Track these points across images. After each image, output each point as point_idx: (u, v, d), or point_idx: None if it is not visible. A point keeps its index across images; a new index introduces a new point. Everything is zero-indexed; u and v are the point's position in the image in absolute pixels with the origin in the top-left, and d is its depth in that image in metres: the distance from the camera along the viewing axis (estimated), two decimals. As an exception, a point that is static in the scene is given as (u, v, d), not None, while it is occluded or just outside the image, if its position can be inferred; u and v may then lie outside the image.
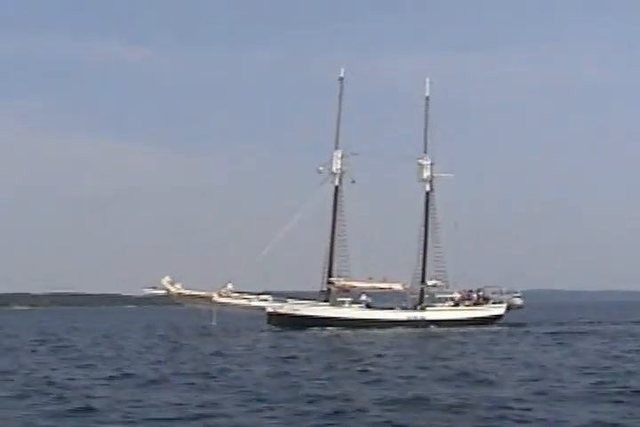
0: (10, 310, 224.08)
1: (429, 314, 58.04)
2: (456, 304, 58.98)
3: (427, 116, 61.86)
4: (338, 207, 58.84)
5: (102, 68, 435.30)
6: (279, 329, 53.85)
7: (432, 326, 55.60)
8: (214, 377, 22.40)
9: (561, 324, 61.27)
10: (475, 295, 59.33)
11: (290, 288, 62.49)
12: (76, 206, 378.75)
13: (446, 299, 59.61)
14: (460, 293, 59.16)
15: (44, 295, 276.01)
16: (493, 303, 60.29)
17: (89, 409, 16.38)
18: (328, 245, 58.24)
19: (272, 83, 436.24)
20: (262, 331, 53.48)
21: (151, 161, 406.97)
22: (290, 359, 29.28)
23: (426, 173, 61.51)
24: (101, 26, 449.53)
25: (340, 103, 59.63)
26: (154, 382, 21.28)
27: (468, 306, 59.17)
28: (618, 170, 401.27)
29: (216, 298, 54.31)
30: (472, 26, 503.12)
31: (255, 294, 56.56)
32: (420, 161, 61.59)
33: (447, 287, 59.78)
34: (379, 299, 59.42)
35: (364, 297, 57.89)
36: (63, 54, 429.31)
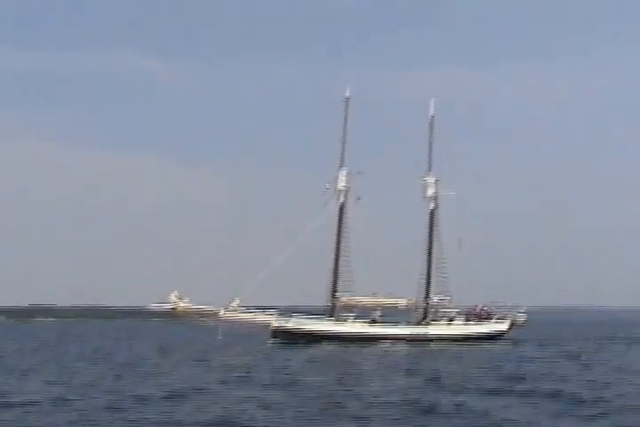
0: (36, 322, 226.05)
1: (432, 329, 58.84)
2: (450, 320, 59.73)
3: (431, 134, 62.96)
4: (343, 224, 59.89)
5: (116, 79, 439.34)
6: (284, 344, 54.72)
7: (434, 342, 56.36)
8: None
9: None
10: (474, 311, 60.04)
11: (296, 304, 63.56)
12: (90, 220, 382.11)
13: (448, 314, 60.34)
14: (458, 309, 59.98)
15: (68, 308, 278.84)
16: (497, 319, 61.00)
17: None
18: (333, 262, 59.28)
19: (281, 98, 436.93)
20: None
21: (163, 175, 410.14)
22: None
23: (430, 191, 62.48)
24: (115, 37, 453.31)
25: (346, 122, 60.84)
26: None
27: (468, 320, 59.95)
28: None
29: (222, 313, 55.53)
30: (479, 41, 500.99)
31: (261, 309, 57.71)
32: (425, 179, 62.61)
33: (451, 303, 60.57)
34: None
35: (379, 313, 58.73)
36: (75, 66, 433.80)
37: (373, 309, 59.40)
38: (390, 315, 60.30)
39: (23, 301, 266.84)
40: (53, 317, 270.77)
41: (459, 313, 59.97)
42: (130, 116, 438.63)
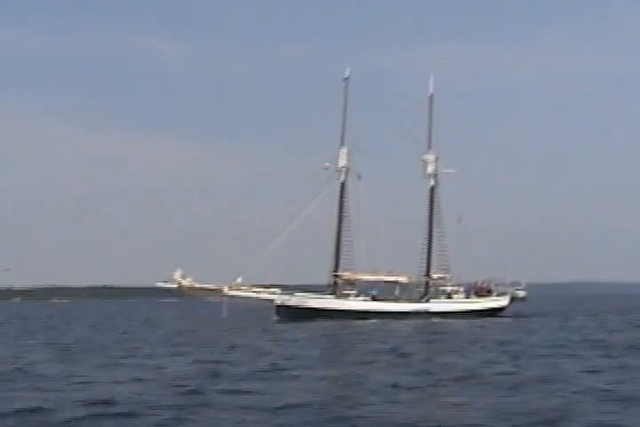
0: (51, 303, 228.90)
1: (433, 306, 59.80)
2: (449, 296, 60.68)
3: (431, 112, 63.63)
4: (344, 203, 60.75)
5: (125, 62, 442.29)
6: (287, 320, 55.70)
7: (435, 318, 57.36)
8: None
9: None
10: (461, 288, 60.82)
11: (299, 282, 64.63)
12: (102, 202, 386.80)
13: (447, 291, 61.25)
14: (453, 285, 60.90)
15: (82, 288, 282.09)
16: (497, 295, 61.89)
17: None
18: (334, 240, 60.22)
19: (281, 79, 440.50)
20: None
21: (166, 156, 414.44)
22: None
23: (430, 169, 63.21)
24: (128, 20, 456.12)
25: (346, 102, 61.50)
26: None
27: (468, 296, 60.90)
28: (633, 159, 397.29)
29: (226, 291, 56.64)
30: (479, 15, 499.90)
31: (264, 286, 58.81)
32: (425, 157, 63.29)
33: (451, 280, 61.47)
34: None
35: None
36: (90, 50, 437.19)
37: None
38: (392, 292, 61.17)
39: (37, 282, 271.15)
40: (68, 297, 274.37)
41: (456, 291, 60.89)
42: (142, 98, 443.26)
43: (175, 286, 57.24)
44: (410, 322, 52.28)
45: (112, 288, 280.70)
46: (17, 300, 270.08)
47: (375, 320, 53.76)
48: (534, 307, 69.78)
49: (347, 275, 59.64)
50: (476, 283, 62.22)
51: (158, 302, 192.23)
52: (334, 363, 24.77)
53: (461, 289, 60.79)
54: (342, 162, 61.15)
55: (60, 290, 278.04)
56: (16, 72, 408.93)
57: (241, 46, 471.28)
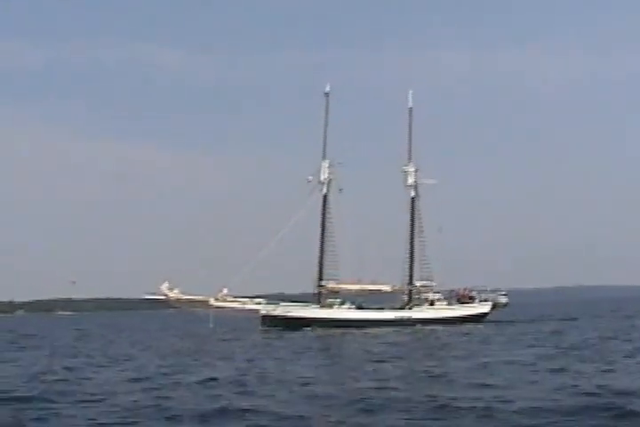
0: (55, 316, 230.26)
1: (416, 313, 61.19)
2: (432, 304, 62.08)
3: (410, 125, 65.28)
4: (327, 215, 62.27)
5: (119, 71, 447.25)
6: (273, 330, 57.05)
7: (418, 325, 58.69)
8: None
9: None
10: (434, 296, 62.10)
11: (284, 292, 66.06)
12: (99, 211, 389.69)
13: (430, 298, 62.65)
14: (436, 293, 62.31)
15: (86, 300, 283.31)
16: (480, 302, 63.28)
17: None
18: (318, 251, 61.70)
19: (270, 90, 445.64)
20: None
21: (153, 167, 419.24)
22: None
23: (410, 180, 64.78)
24: (128, 28, 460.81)
25: (327, 116, 63.23)
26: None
27: (450, 304, 62.32)
28: (616, 168, 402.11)
29: (212, 302, 58.08)
30: (462, 27, 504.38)
31: (250, 297, 60.23)
32: (405, 168, 64.90)
33: (433, 288, 62.89)
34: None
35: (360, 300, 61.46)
36: (93, 59, 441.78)
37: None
38: (376, 301, 62.59)
39: (40, 295, 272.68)
40: (72, 310, 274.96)
41: (438, 298, 62.32)
42: (140, 105, 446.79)
43: (162, 297, 58.66)
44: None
45: (116, 300, 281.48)
46: (21, 312, 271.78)
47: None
48: (512, 314, 70.91)
49: (331, 285, 61.07)
50: (459, 290, 63.67)
51: (164, 313, 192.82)
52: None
53: (442, 297, 62.21)
54: (324, 175, 62.71)
55: (62, 302, 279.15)
56: (15, 81, 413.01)
57: (234, 57, 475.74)
